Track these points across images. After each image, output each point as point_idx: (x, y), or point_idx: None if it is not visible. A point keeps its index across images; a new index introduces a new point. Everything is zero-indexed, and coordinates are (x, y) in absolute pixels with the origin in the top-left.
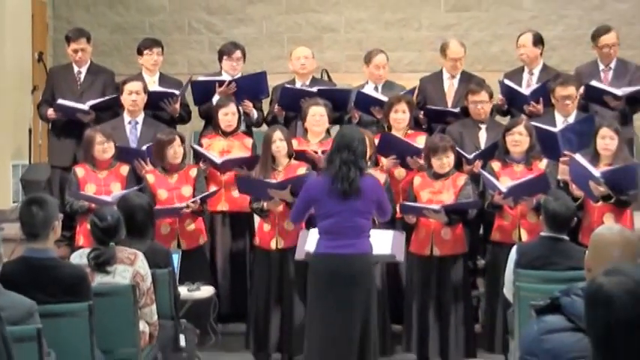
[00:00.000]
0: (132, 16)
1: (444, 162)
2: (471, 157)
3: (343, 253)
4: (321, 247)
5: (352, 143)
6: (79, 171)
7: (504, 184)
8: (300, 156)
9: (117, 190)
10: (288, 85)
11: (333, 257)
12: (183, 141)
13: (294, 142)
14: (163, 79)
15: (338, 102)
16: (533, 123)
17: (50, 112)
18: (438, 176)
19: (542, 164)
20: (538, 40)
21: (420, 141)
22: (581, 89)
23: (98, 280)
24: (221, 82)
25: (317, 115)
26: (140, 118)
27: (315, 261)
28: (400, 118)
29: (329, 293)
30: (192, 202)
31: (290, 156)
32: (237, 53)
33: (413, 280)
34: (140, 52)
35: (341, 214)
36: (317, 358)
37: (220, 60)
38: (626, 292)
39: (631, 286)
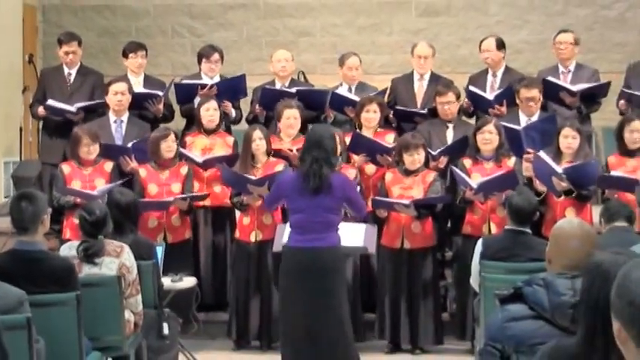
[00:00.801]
0: (118, 21)
1: (415, 158)
2: (435, 153)
3: (312, 247)
4: (291, 241)
5: (322, 141)
6: (65, 168)
7: (475, 180)
8: (276, 154)
9: (101, 186)
10: (268, 87)
11: (302, 251)
12: (177, 137)
13: None
14: (148, 81)
15: (315, 102)
16: None
17: (41, 109)
18: (408, 172)
19: (511, 162)
20: (500, 44)
21: (388, 139)
22: None
23: (86, 271)
24: (203, 85)
25: (291, 118)
26: (125, 117)
27: (285, 254)
28: (371, 117)
29: (300, 285)
30: (182, 199)
31: (269, 154)
32: (216, 56)
33: (385, 272)
34: (125, 55)
35: (310, 209)
36: (291, 348)
37: (199, 62)
38: None
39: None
